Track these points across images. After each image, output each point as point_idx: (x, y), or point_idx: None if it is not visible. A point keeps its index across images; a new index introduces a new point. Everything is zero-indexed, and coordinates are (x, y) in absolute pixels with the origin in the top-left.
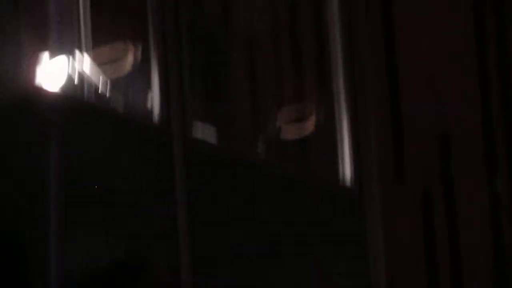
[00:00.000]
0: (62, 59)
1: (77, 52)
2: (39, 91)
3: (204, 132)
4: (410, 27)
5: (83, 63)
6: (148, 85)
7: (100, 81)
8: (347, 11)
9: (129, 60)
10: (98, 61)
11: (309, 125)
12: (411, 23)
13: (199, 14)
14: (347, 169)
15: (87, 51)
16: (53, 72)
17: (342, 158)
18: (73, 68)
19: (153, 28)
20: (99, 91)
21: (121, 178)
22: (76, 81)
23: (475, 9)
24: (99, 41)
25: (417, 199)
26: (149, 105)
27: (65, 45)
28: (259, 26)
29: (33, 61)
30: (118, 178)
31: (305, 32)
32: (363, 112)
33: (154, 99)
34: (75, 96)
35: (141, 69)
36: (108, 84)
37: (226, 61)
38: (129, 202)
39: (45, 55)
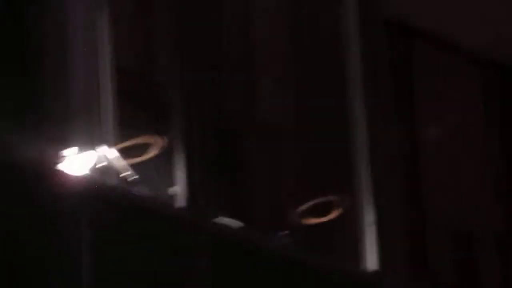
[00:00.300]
0: (88, 153)
1: (102, 146)
2: (67, 179)
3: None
4: (432, 118)
5: (108, 156)
6: (172, 177)
7: (125, 172)
8: (372, 102)
9: (153, 153)
10: (123, 153)
11: (334, 216)
12: (433, 112)
13: (222, 108)
14: (369, 261)
15: (112, 144)
16: (80, 164)
17: (365, 250)
18: (99, 160)
19: (177, 122)
20: (125, 182)
21: (145, 266)
22: (102, 173)
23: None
24: (124, 134)
25: None
26: (173, 196)
27: (91, 139)
28: (282, 119)
29: (60, 154)
30: (142, 265)
31: (328, 122)
32: (386, 205)
33: (178, 190)
34: (102, 184)
35: (165, 161)
36: (133, 175)
37: (248, 153)
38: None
39: (73, 149)
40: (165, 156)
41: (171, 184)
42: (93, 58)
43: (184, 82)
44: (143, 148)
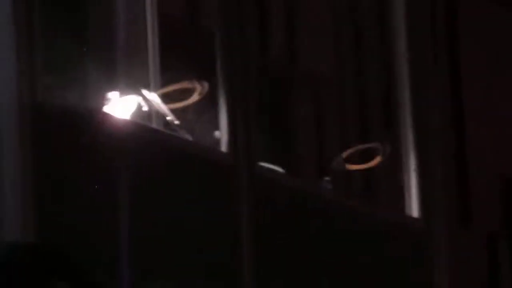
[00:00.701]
0: (132, 97)
1: (146, 90)
2: (111, 120)
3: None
4: (477, 70)
5: (152, 100)
6: (216, 123)
7: (168, 116)
8: (415, 49)
9: (197, 96)
10: (166, 98)
11: (375, 163)
12: (478, 68)
13: (266, 53)
14: (412, 208)
15: (156, 89)
16: (124, 107)
17: (409, 195)
18: (143, 104)
19: (220, 66)
20: (168, 124)
21: (187, 206)
22: (145, 116)
23: None
24: (168, 79)
25: (482, 243)
26: (216, 140)
27: (135, 82)
28: (325, 66)
29: (105, 97)
30: (184, 205)
31: (371, 70)
32: (429, 152)
33: (221, 135)
34: (145, 128)
35: (210, 107)
36: (176, 120)
37: (292, 100)
38: (194, 232)
39: (116, 93)
40: (210, 102)
41: (215, 129)
42: (138, 3)
43: (228, 28)
44: (186, 93)
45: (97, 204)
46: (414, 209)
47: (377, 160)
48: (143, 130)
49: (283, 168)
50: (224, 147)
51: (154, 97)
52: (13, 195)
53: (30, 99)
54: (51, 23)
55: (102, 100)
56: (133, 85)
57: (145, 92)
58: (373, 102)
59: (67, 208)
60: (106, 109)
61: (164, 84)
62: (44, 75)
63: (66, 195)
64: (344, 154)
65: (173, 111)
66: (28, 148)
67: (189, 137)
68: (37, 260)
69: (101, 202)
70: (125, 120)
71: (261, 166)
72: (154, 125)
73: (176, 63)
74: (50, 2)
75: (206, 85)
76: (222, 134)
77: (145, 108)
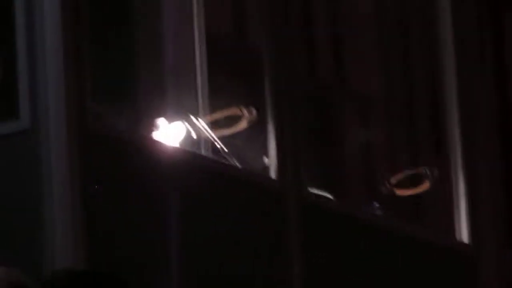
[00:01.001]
0: (180, 123)
1: (194, 116)
2: (160, 147)
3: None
4: None
5: (200, 126)
6: (263, 147)
7: (217, 142)
8: (463, 73)
9: (245, 123)
10: (214, 125)
11: (424, 187)
12: None
13: (314, 78)
14: (462, 231)
15: (204, 115)
16: (172, 134)
17: (458, 220)
18: (191, 131)
19: (268, 91)
20: (216, 151)
21: (236, 232)
22: (194, 143)
23: None
24: (216, 104)
25: None
26: (264, 166)
27: (183, 109)
28: (373, 88)
29: (154, 123)
30: (233, 232)
31: (420, 94)
32: (479, 176)
33: (270, 161)
34: (194, 154)
35: (258, 132)
36: (224, 146)
37: (340, 124)
38: (244, 259)
39: (165, 119)
40: (257, 127)
41: (263, 155)
42: (186, 29)
43: (276, 52)
44: (234, 119)
45: (147, 230)
46: (463, 234)
47: (426, 185)
48: (192, 156)
49: (331, 193)
50: (273, 173)
51: (202, 124)
52: (64, 222)
53: (79, 126)
54: (100, 50)
55: (151, 126)
56: (182, 111)
57: (193, 118)
58: (422, 125)
59: (117, 234)
60: (155, 135)
61: (213, 110)
62: (93, 101)
63: (116, 221)
64: (393, 179)
65: (222, 137)
66: (77, 175)
67: (237, 164)
68: (88, 286)
69: (150, 229)
70: (173, 147)
71: (310, 192)
72: (202, 151)
73: (225, 88)
74: (98, 29)
75: (254, 111)
76: (270, 160)
77: (193, 134)
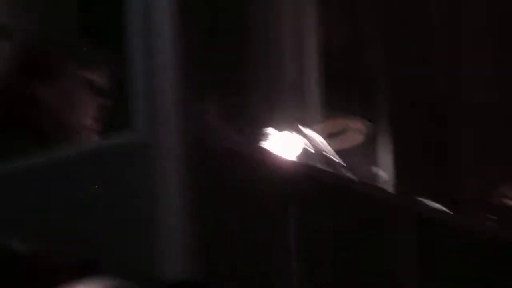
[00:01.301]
0: (294, 134)
1: (307, 127)
2: (272, 157)
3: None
4: None
5: (314, 138)
6: (377, 160)
7: (331, 154)
8: None
9: (358, 135)
10: (327, 136)
11: None
12: None
13: (427, 89)
14: None
15: (317, 126)
16: (284, 145)
17: None
18: (305, 142)
19: (382, 104)
20: (330, 162)
21: (353, 246)
22: (307, 154)
23: None
24: (328, 116)
25: None
26: (378, 178)
27: (296, 120)
28: (488, 99)
29: (265, 133)
30: (351, 245)
31: None
32: None
33: (383, 173)
34: (307, 165)
35: (371, 144)
36: (337, 157)
37: (454, 135)
38: (362, 273)
39: (276, 129)
40: (371, 139)
41: (376, 166)
42: (299, 39)
43: (389, 65)
44: (346, 131)
45: (259, 242)
46: None
47: None
48: (306, 168)
49: (446, 205)
50: (388, 186)
51: (316, 135)
52: (178, 234)
53: (192, 135)
54: (212, 59)
55: (262, 136)
56: (295, 122)
57: (307, 130)
58: None
59: (232, 246)
60: (268, 147)
61: (326, 122)
62: (207, 113)
63: (231, 233)
64: (510, 191)
65: (335, 149)
66: (189, 185)
67: (352, 176)
68: None
69: (263, 240)
70: (287, 159)
71: (425, 205)
72: (316, 163)
73: (339, 101)
74: (212, 40)
75: (368, 124)
76: (386, 172)
77: (307, 146)
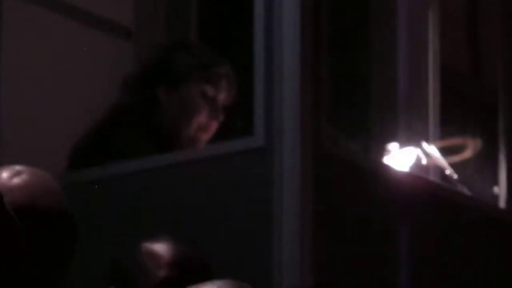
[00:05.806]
0: (412, 149)
1: (425, 142)
2: (392, 172)
3: None
4: None
5: (431, 153)
6: (494, 177)
7: (447, 169)
8: None
9: (470, 153)
10: (443, 152)
11: None
12: None
13: None
14: None
15: (435, 142)
16: (403, 159)
17: None
18: (422, 156)
19: (502, 124)
20: (446, 178)
21: (466, 262)
22: (424, 168)
23: None
24: (446, 133)
25: None
26: (494, 195)
27: (414, 135)
28: None
29: (386, 148)
30: (464, 261)
31: None
32: None
33: (500, 191)
34: (424, 178)
35: (489, 161)
36: (454, 174)
37: None
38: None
39: (396, 144)
40: (489, 157)
41: (494, 184)
42: (421, 54)
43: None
44: (461, 148)
45: (374, 255)
46: None
47: None
48: (422, 182)
49: None
50: (502, 204)
51: (433, 150)
52: (293, 242)
53: (314, 148)
54: (335, 73)
55: (383, 151)
56: (413, 137)
57: (424, 144)
58: None
59: (344, 256)
60: (386, 160)
61: (442, 138)
62: (328, 125)
63: (344, 243)
64: None
65: (451, 164)
66: (309, 197)
67: (467, 192)
68: None
69: (378, 254)
70: (404, 172)
71: None
72: (432, 178)
73: (456, 118)
74: (334, 53)
75: (479, 141)
76: (500, 189)
77: (424, 160)
